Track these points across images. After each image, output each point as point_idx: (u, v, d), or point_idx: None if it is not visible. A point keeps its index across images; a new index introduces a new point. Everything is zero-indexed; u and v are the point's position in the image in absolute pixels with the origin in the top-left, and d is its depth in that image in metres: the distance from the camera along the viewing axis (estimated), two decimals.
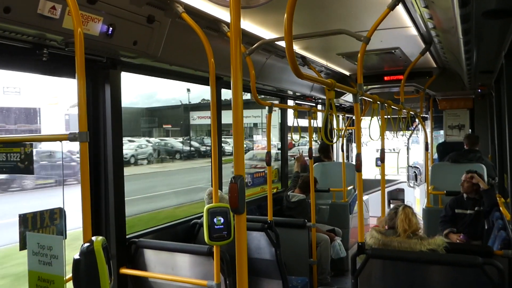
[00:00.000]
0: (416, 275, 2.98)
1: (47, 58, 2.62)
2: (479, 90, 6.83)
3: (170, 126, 25.29)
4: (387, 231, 3.24)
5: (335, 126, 5.59)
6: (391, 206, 8.84)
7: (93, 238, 1.80)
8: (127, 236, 3.43)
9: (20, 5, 2.14)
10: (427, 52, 4.74)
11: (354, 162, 3.50)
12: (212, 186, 3.05)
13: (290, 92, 6.35)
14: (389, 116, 4.88)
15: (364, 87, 6.14)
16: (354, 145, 9.77)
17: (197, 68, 3.78)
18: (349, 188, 6.40)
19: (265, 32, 4.06)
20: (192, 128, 25.14)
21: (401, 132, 6.60)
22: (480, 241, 4.60)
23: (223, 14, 3.40)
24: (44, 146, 12.05)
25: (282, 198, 5.68)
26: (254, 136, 22.80)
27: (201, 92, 23.50)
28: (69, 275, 1.87)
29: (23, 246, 2.09)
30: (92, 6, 2.45)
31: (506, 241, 3.46)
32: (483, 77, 5.18)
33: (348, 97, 7.60)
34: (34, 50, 2.56)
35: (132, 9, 2.74)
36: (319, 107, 7.55)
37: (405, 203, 6.10)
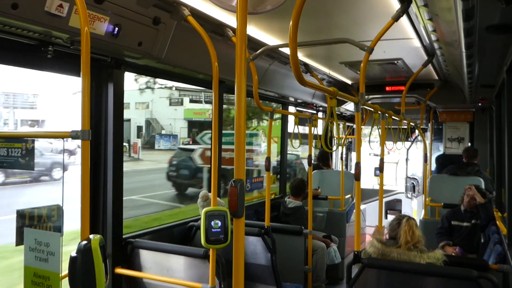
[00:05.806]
0: (411, 286, 2.97)
1: (52, 56, 2.64)
2: (480, 104, 6.85)
3: None
4: (388, 241, 3.23)
5: (335, 134, 5.59)
6: (388, 216, 8.81)
7: (91, 236, 1.80)
8: (123, 236, 3.44)
9: (27, 1, 2.15)
10: (429, 64, 4.76)
11: (353, 171, 3.51)
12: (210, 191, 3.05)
13: (292, 99, 6.37)
14: (389, 127, 4.90)
15: (366, 97, 6.17)
16: (353, 154, 9.78)
17: (200, 71, 3.80)
18: (347, 196, 6.40)
19: (269, 38, 4.08)
20: None
21: (400, 143, 6.61)
22: (475, 254, 4.59)
23: (228, 18, 3.42)
24: None
25: (280, 204, 5.67)
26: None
27: None
28: (64, 272, 1.87)
29: (19, 241, 2.09)
30: (99, 6, 2.47)
31: (502, 255, 3.46)
32: (484, 91, 5.20)
33: (349, 106, 7.62)
34: (40, 47, 2.58)
35: (139, 10, 2.75)
36: (320, 114, 7.57)
37: (403, 214, 6.08)
